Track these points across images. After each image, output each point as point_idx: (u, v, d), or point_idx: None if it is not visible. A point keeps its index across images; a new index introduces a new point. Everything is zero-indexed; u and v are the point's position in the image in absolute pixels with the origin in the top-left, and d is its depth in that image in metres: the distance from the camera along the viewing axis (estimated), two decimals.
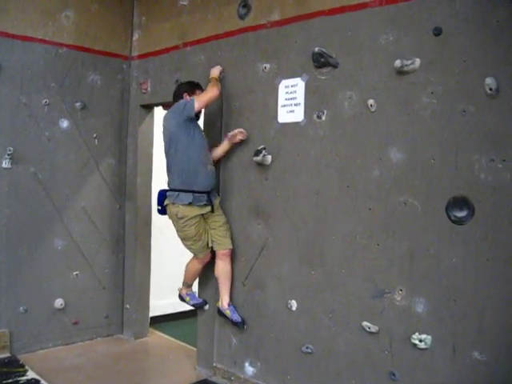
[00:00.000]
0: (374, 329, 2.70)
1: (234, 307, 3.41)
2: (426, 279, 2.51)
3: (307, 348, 3.02)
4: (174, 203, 3.27)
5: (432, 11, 2.49)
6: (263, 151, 3.19)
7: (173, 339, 4.47)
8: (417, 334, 2.52)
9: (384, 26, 2.67)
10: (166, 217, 3.43)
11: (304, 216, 3.05)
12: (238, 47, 3.45)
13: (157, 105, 4.36)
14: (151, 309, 4.58)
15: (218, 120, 3.57)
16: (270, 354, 3.25)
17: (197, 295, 3.73)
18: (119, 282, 4.47)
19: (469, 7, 2.37)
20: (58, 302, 4.08)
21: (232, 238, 3.44)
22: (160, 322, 4.82)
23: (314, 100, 3.00)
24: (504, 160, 2.25)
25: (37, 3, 3.88)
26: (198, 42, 3.77)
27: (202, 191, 3.26)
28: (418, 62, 2.52)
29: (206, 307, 3.66)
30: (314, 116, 2.99)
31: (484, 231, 2.32)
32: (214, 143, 3.51)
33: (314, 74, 2.99)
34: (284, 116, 3.16)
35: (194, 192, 3.23)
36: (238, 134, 3.29)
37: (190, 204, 3.23)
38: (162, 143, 3.37)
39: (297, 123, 3.09)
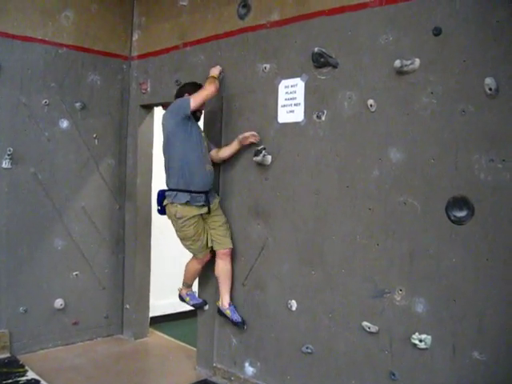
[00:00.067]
0: (373, 329, 2.70)
1: (235, 307, 3.41)
2: (426, 279, 2.51)
3: (307, 348, 3.02)
4: (172, 203, 3.27)
5: (432, 11, 2.49)
6: (263, 151, 3.19)
7: (173, 339, 4.47)
8: (417, 333, 2.52)
9: (384, 26, 2.67)
10: (165, 217, 3.43)
11: (304, 216, 3.05)
12: (237, 47, 3.46)
13: (157, 105, 4.36)
14: (151, 309, 4.58)
15: (218, 120, 3.58)
16: (270, 354, 3.25)
17: (197, 295, 3.73)
18: (119, 282, 4.47)
19: (468, 7, 2.37)
20: (58, 303, 4.08)
21: (232, 238, 3.44)
22: (160, 322, 4.82)
23: (313, 100, 3.00)
24: (504, 160, 2.25)
25: (36, 3, 3.88)
26: (198, 42, 3.77)
27: (200, 191, 3.26)
28: (417, 62, 2.52)
29: (206, 307, 3.66)
30: (314, 116, 2.99)
31: (484, 231, 2.32)
32: (214, 143, 3.52)
33: (314, 74, 2.99)
34: (284, 116, 3.16)
35: (191, 192, 3.23)
36: (250, 136, 3.25)
37: (187, 203, 3.23)
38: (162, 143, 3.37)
39: (297, 123, 3.09)
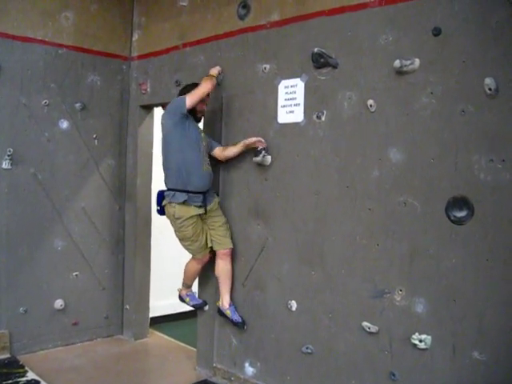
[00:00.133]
0: (373, 329, 2.70)
1: (235, 307, 3.41)
2: (426, 279, 2.51)
3: (307, 348, 3.02)
4: (170, 203, 3.27)
5: (431, 11, 2.49)
6: (263, 151, 3.19)
7: (173, 340, 4.47)
8: (417, 334, 2.52)
9: (384, 26, 2.67)
10: (165, 217, 3.43)
11: (304, 216, 3.05)
12: (237, 48, 3.46)
13: (156, 105, 4.36)
14: (151, 309, 4.57)
15: (218, 120, 3.58)
16: (269, 354, 3.25)
17: (197, 296, 3.73)
18: (119, 283, 4.47)
19: (468, 8, 2.37)
20: (58, 303, 4.08)
21: (232, 238, 3.44)
22: (160, 322, 4.82)
23: (313, 100, 3.00)
24: (503, 160, 2.26)
25: (36, 4, 3.89)
26: (198, 42, 3.77)
27: (198, 191, 3.26)
28: (417, 62, 2.52)
29: (206, 308, 3.66)
30: (314, 116, 2.99)
31: (484, 231, 2.32)
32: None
33: (314, 74, 3.00)
34: (284, 116, 3.16)
35: (188, 192, 3.23)
36: (256, 142, 3.22)
37: (184, 203, 3.22)
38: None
39: (296, 123, 3.09)
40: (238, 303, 3.44)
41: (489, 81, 2.28)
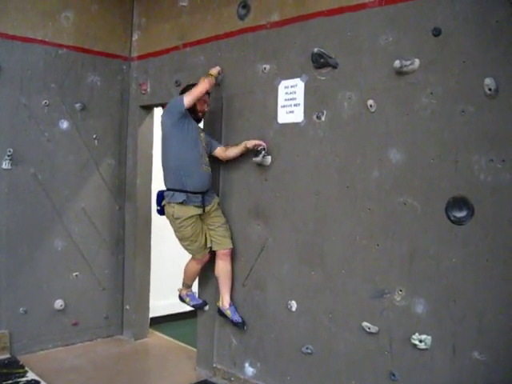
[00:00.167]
0: (373, 329, 2.70)
1: (235, 307, 3.41)
2: (426, 280, 2.51)
3: (307, 348, 3.02)
4: (169, 203, 3.28)
5: (431, 12, 2.49)
6: (263, 152, 3.19)
7: (173, 340, 4.47)
8: (417, 334, 2.52)
9: (383, 26, 2.67)
10: (165, 217, 3.43)
11: (304, 216, 3.05)
12: (237, 48, 3.46)
13: (156, 105, 4.36)
14: (151, 309, 4.57)
15: (218, 120, 3.58)
16: (269, 354, 3.25)
17: (197, 296, 3.73)
18: (119, 283, 4.47)
19: (468, 8, 2.37)
20: (58, 303, 4.08)
21: (232, 239, 3.44)
22: (160, 322, 4.82)
23: (313, 100, 3.00)
24: (503, 160, 2.25)
25: (36, 4, 3.89)
26: (198, 42, 3.77)
27: (196, 192, 3.26)
28: (417, 62, 2.52)
29: (206, 308, 3.66)
30: (314, 116, 3.00)
31: (484, 231, 2.32)
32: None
33: (314, 74, 3.00)
34: (284, 116, 3.16)
35: (187, 192, 3.23)
36: (257, 145, 3.21)
37: (183, 203, 3.22)
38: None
39: (296, 124, 3.09)
40: (238, 303, 3.44)
41: (489, 81, 2.28)
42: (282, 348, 3.17)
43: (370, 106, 2.72)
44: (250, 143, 3.23)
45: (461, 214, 2.38)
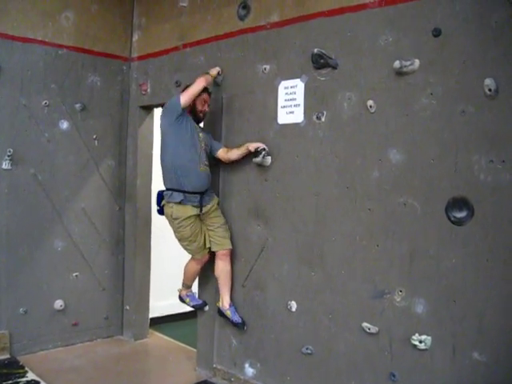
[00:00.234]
0: (373, 329, 2.70)
1: (235, 308, 3.41)
2: (426, 280, 2.51)
3: (307, 349, 3.02)
4: (168, 202, 3.28)
5: (431, 12, 2.49)
6: (263, 152, 3.19)
7: (173, 340, 4.47)
8: (417, 334, 2.52)
9: (383, 26, 2.67)
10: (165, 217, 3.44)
11: (304, 217, 3.05)
12: (237, 48, 3.46)
13: (156, 106, 4.36)
14: (151, 310, 4.57)
15: (218, 121, 3.58)
16: (269, 355, 3.25)
17: (197, 296, 3.73)
18: (119, 284, 4.47)
19: (468, 8, 2.37)
20: (58, 303, 4.08)
21: (232, 239, 3.44)
22: (160, 323, 4.82)
23: (313, 101, 3.00)
24: (503, 161, 2.26)
25: (37, 4, 3.89)
26: (198, 43, 3.77)
27: (194, 192, 3.26)
28: (417, 62, 2.52)
29: (206, 308, 3.66)
30: (314, 117, 3.00)
31: (484, 232, 2.32)
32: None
33: (314, 75, 3.00)
34: (284, 117, 3.16)
35: (184, 192, 3.23)
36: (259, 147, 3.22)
37: (181, 202, 3.22)
38: None
39: (296, 124, 3.09)
40: (238, 304, 3.44)
41: (489, 81, 2.28)
42: (282, 348, 3.17)
43: (370, 106, 2.72)
44: (253, 146, 3.21)
45: (461, 215, 2.38)
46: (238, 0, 3.45)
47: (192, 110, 3.35)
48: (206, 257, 3.48)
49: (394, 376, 2.62)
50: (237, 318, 3.36)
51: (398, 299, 2.61)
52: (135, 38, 4.46)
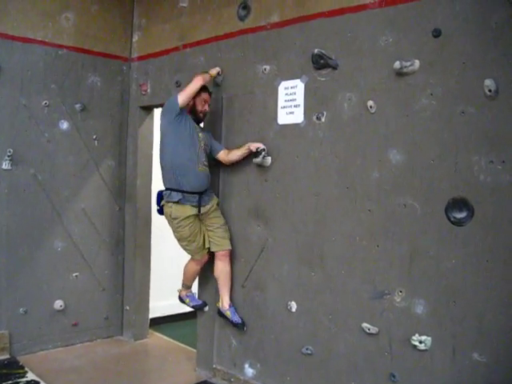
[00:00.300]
0: (373, 330, 2.70)
1: (235, 308, 3.41)
2: (426, 280, 2.51)
3: (307, 349, 3.02)
4: (167, 202, 3.28)
5: (431, 13, 2.49)
6: (263, 152, 3.19)
7: (172, 341, 4.47)
8: (417, 335, 2.52)
9: (383, 27, 2.68)
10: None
11: (304, 217, 3.05)
12: (237, 49, 3.46)
13: (157, 106, 4.35)
14: (151, 310, 4.57)
15: (218, 121, 3.58)
16: (269, 355, 3.25)
17: (196, 296, 3.73)
18: (119, 284, 4.47)
19: (468, 9, 2.37)
20: (58, 304, 4.08)
21: (232, 240, 3.44)
22: (160, 323, 4.82)
23: (313, 101, 3.00)
24: (503, 161, 2.26)
25: (37, 5, 3.89)
26: (198, 43, 3.77)
27: (193, 192, 3.25)
28: (417, 63, 2.52)
29: (206, 308, 3.66)
30: (314, 117, 3.00)
31: (483, 232, 2.32)
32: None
33: (314, 75, 3.00)
34: (284, 117, 3.16)
35: (183, 192, 3.23)
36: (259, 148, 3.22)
37: (179, 202, 3.22)
38: None
39: (296, 125, 3.09)
40: (238, 304, 3.44)
41: (489, 82, 2.28)
42: (282, 349, 3.17)
43: (370, 106, 2.72)
44: (254, 146, 3.21)
45: (461, 215, 2.38)
46: (238, 0, 3.46)
47: (192, 110, 3.35)
48: (206, 257, 3.47)
49: (393, 376, 2.62)
50: (237, 319, 3.36)
51: (398, 300, 2.61)
52: (135, 38, 4.46)
